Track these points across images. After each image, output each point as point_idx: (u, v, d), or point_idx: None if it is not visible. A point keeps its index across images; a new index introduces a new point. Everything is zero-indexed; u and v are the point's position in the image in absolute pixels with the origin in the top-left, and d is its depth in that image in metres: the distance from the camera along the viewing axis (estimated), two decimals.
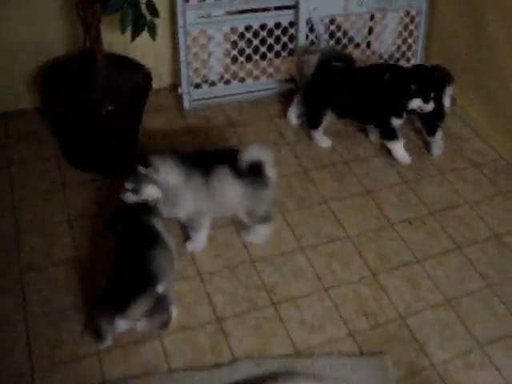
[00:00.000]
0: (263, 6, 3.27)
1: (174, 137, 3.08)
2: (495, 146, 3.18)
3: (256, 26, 3.26)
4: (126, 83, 2.74)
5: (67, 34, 3.00)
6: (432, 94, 2.83)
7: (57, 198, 2.66)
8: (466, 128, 3.31)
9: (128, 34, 2.40)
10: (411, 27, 3.56)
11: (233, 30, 3.27)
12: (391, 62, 3.62)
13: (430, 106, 2.86)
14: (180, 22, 3.05)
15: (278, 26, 3.31)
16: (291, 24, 3.31)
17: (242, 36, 3.29)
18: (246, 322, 2.22)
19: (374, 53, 3.68)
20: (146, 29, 2.40)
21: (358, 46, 3.60)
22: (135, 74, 2.81)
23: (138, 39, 2.45)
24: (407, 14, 3.54)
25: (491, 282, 2.46)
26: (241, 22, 3.25)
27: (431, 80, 2.87)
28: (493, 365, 2.14)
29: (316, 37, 3.37)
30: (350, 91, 3.00)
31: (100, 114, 2.56)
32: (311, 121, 3.15)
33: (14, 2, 2.80)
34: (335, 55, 3.13)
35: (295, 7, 3.24)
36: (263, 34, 3.29)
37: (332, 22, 3.47)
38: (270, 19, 3.27)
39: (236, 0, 3.14)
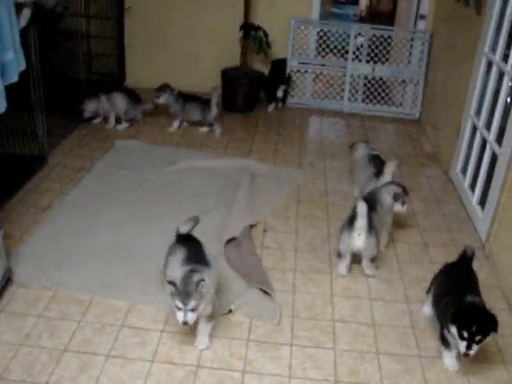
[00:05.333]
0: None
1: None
2: None
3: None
4: (253, 75, 6.52)
5: (234, 55, 6.63)
6: None
7: None
8: None
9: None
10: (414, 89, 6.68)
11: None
12: None
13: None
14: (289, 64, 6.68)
15: None
16: None
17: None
18: None
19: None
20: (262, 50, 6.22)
21: (392, 103, 6.76)
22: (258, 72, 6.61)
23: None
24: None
25: None
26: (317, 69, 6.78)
27: None
28: None
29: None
30: None
31: (239, 84, 6.33)
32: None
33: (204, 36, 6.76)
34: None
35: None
36: None
37: (380, 84, 6.66)
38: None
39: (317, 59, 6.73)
